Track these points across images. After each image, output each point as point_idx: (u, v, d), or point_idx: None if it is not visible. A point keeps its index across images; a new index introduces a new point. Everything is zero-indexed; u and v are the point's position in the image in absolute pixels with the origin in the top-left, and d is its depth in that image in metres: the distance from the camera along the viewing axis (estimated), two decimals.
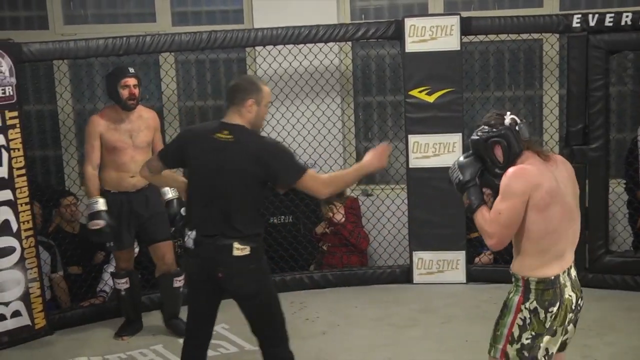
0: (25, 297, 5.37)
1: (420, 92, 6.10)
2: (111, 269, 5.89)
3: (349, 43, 6.76)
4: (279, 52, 6.36)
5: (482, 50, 6.74)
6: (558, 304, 3.15)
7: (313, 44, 6.26)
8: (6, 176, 5.26)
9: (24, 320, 5.38)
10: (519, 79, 6.99)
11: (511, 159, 3.21)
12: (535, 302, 3.15)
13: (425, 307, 5.72)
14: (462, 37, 6.02)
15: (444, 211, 6.07)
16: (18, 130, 5.29)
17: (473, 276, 6.21)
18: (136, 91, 5.16)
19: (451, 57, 6.02)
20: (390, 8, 7.01)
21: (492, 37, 6.24)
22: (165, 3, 6.97)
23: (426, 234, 6.19)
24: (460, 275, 6.17)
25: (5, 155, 5.24)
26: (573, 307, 3.23)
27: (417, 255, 6.21)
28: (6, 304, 5.30)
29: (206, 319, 3.93)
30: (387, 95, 7.08)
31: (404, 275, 6.30)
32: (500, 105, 6.86)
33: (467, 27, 6.01)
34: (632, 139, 6.28)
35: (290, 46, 6.28)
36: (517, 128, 3.21)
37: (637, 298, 5.74)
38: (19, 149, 5.30)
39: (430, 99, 6.08)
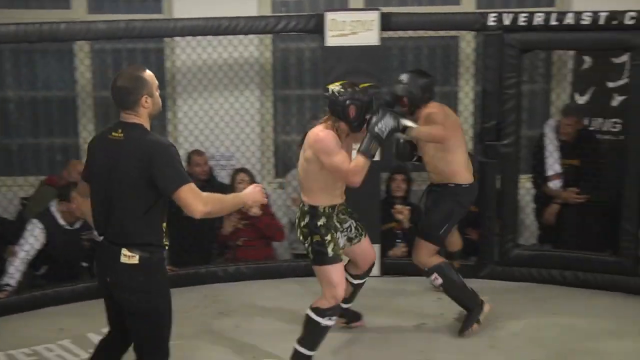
0: None
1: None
2: (17, 262, 5.72)
3: (270, 36, 6.74)
4: (198, 43, 6.31)
5: (401, 46, 6.81)
6: None
7: (233, 36, 6.23)
8: None
9: None
10: (436, 75, 7.07)
11: None
12: None
13: None
14: (382, 32, 6.08)
15: (357, 204, 6.08)
16: None
17: (387, 269, 6.25)
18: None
19: (371, 52, 6.06)
20: (311, 2, 7.02)
21: (410, 33, 6.31)
22: None
23: None
24: (375, 268, 6.17)
25: None
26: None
27: None
28: None
29: (115, 324, 3.75)
30: (306, 88, 7.09)
31: None
32: None
33: (386, 22, 6.06)
34: (540, 134, 6.45)
35: (209, 37, 6.23)
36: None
37: (542, 290, 5.91)
38: None
39: None
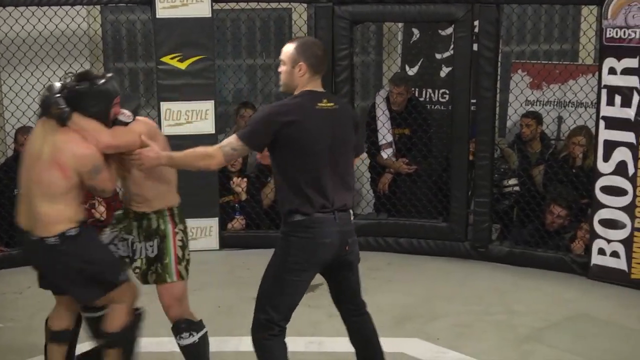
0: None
1: (172, 58, 6.04)
2: None
3: (98, 7, 6.53)
4: (21, 14, 6.03)
5: (233, 18, 6.77)
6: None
7: (58, 7, 6.01)
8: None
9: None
10: (270, 48, 7.10)
11: None
12: (182, 224, 3.92)
13: None
14: (213, 4, 6.01)
15: (196, 178, 6.04)
16: None
17: (226, 242, 6.27)
18: None
19: (203, 24, 6.00)
20: None
21: (243, 5, 6.29)
22: None
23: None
24: (213, 242, 6.21)
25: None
26: None
27: None
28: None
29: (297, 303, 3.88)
30: (139, 61, 6.94)
31: None
32: (252, 73, 6.95)
33: None
34: (372, 104, 6.60)
35: (33, 8, 5.96)
36: None
37: (378, 258, 6.08)
38: None
39: (182, 65, 6.03)
